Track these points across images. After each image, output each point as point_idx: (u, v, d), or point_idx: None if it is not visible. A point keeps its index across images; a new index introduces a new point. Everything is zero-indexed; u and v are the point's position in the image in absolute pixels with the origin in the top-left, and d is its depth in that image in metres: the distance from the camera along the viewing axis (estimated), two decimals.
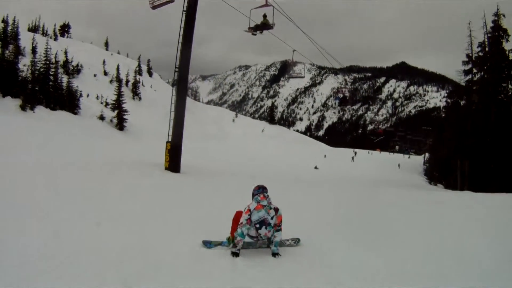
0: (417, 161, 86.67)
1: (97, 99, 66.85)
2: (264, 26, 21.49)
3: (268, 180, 14.84)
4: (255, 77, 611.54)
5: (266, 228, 7.22)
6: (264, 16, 21.42)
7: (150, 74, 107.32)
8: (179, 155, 20.46)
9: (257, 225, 7.19)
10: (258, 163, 43.28)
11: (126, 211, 9.89)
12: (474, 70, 36.64)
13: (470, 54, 36.83)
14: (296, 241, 8.24)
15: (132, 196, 12.10)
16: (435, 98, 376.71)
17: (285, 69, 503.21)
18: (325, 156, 77.25)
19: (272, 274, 6.24)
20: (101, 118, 56.88)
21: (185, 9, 20.29)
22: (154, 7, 21.30)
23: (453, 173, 38.66)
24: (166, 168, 19.98)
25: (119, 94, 60.19)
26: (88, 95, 64.71)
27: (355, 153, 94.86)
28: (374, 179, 39.39)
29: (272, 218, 7.28)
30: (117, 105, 59.61)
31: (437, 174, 50.57)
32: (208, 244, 7.49)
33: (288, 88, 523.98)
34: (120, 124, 58.85)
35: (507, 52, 34.83)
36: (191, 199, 12.54)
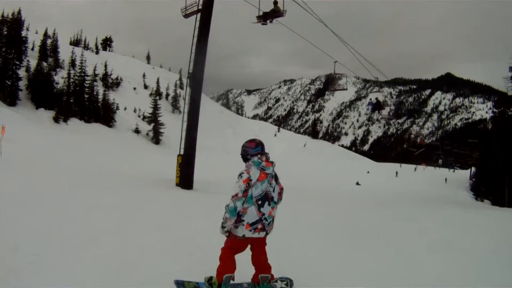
0: (463, 175, 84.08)
1: (135, 112, 66.63)
2: (274, 13, 19.51)
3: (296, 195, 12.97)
4: (300, 91, 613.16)
5: (269, 204, 5.34)
6: (275, 2, 19.49)
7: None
8: (192, 169, 18.62)
9: (259, 202, 5.26)
10: (296, 179, 41.56)
11: (84, 233, 8.17)
12: None
13: None
14: (288, 283, 6.03)
15: (109, 214, 10.46)
16: (481, 110, 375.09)
17: (330, 82, 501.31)
18: (368, 172, 75.27)
19: None
20: (137, 131, 56.41)
21: (200, 7, 18.82)
22: (186, 16, 20.45)
23: (501, 188, 36.35)
24: (177, 184, 18.25)
25: (155, 107, 59.76)
26: (125, 108, 64.58)
27: (415, 169, 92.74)
28: (419, 196, 37.15)
29: (274, 190, 5.44)
30: (153, 118, 59.03)
31: (484, 189, 47.99)
32: (180, 286, 5.46)
33: (333, 102, 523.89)
34: (156, 137, 58.35)
35: None
36: (181, 222, 10.51)
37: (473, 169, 71.10)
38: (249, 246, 5.54)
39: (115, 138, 48.38)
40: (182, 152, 18.80)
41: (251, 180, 5.19)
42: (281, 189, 5.68)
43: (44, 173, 16.77)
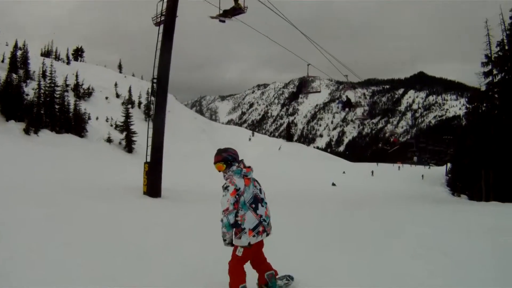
0: (439, 172, 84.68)
1: (107, 121, 65.94)
2: (234, 10, 18.82)
3: (273, 198, 13.07)
4: (273, 95, 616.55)
5: (262, 205, 5.50)
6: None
7: None
8: (159, 177, 18.05)
9: (253, 205, 5.39)
10: (272, 182, 41.38)
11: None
12: (495, 71, 34.25)
13: (489, 55, 34.55)
14: (289, 278, 6.32)
15: (71, 226, 10.07)
16: (455, 106, 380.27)
17: (303, 85, 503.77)
18: (343, 172, 75.36)
19: None
20: (109, 140, 55.77)
21: (163, 12, 18.43)
22: (157, 24, 19.76)
23: (477, 183, 36.64)
24: (144, 193, 17.68)
25: (127, 116, 59.02)
26: (97, 118, 63.79)
27: (399, 168, 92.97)
28: (396, 195, 37.28)
29: (260, 191, 5.64)
30: (126, 127, 58.41)
31: (460, 185, 48.44)
32: None
33: (307, 104, 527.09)
34: (129, 146, 57.67)
35: None
36: (140, 232, 10.17)
37: (449, 165, 71.78)
38: None
39: (87, 148, 47.65)
40: (149, 160, 18.26)
41: (239, 189, 5.27)
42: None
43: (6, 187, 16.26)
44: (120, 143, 57.76)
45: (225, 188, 5.30)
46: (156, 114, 18.48)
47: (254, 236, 5.31)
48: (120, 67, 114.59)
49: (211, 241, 8.79)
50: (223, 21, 18.94)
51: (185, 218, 11.63)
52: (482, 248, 9.18)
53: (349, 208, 18.76)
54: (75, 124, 53.10)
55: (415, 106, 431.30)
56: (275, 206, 9.72)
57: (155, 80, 18.51)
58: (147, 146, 18.24)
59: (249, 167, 5.60)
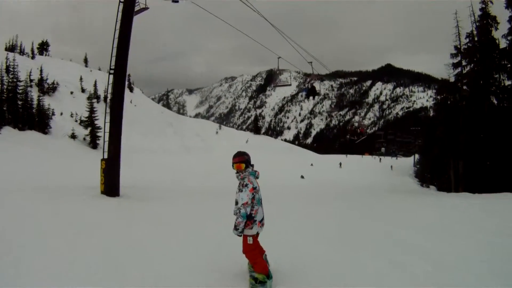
0: (407, 163, 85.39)
1: (72, 117, 64.75)
2: None
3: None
4: (241, 88, 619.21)
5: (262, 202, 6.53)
6: None
7: (130, 89, 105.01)
8: (117, 175, 16.80)
9: (261, 202, 6.46)
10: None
11: None
12: (464, 63, 34.83)
13: (458, 46, 34.97)
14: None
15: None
16: (422, 98, 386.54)
17: (271, 78, 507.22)
18: (311, 164, 75.30)
19: None
20: (73, 136, 54.67)
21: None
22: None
23: (445, 174, 36.90)
24: (102, 192, 16.40)
25: (92, 111, 57.81)
26: (61, 114, 62.60)
27: (380, 160, 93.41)
28: (362, 186, 37.22)
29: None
30: (90, 122, 57.22)
31: (429, 176, 48.80)
32: None
33: (274, 97, 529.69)
34: (94, 142, 56.56)
35: (497, 41, 32.79)
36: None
37: (417, 156, 72.44)
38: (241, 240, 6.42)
39: (50, 145, 46.61)
40: (106, 156, 17.05)
41: (255, 188, 6.21)
42: None
43: None
44: (84, 139, 56.72)
45: (245, 185, 6.14)
46: (113, 104, 17.35)
47: (261, 227, 6.31)
48: (86, 61, 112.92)
49: (167, 247, 8.35)
50: (176, 1, 18.22)
51: (140, 221, 10.90)
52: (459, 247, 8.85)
53: (319, 203, 18.38)
54: (38, 121, 51.99)
55: (382, 98, 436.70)
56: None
57: (112, 71, 17.52)
58: (104, 141, 17.22)
59: (257, 171, 6.45)
